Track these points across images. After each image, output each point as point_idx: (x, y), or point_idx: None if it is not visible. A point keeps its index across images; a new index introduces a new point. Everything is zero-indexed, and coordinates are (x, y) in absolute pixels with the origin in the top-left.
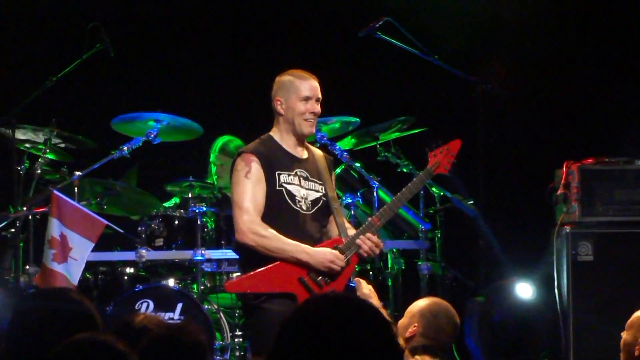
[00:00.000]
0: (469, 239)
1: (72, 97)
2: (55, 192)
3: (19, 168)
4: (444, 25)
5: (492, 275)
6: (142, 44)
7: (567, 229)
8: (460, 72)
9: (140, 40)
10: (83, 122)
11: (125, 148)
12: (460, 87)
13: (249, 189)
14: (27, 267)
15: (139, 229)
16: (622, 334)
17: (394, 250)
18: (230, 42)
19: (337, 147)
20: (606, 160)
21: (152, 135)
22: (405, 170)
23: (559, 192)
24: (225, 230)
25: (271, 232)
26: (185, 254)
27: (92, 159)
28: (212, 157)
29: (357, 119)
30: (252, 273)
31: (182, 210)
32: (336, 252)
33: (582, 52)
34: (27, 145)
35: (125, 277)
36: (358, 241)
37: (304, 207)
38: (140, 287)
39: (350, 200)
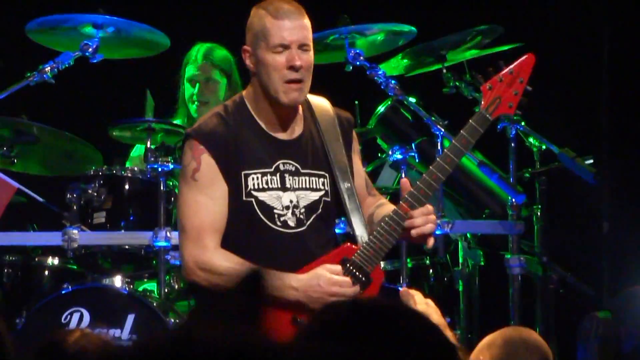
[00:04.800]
0: (585, 220)
1: None
2: None
3: None
4: None
5: (621, 279)
6: None
7: None
8: None
9: None
10: None
11: (47, 69)
12: None
13: (195, 199)
14: None
15: (69, 196)
16: None
17: (468, 236)
18: None
19: (381, 73)
20: None
21: (90, 50)
22: None
23: None
24: None
25: (229, 265)
26: (141, 237)
27: None
28: (191, 70)
29: (413, 28)
30: None
31: (135, 169)
32: (331, 272)
33: None
34: None
35: (46, 273)
36: (408, 222)
37: (291, 224)
38: (70, 288)
39: (400, 157)
